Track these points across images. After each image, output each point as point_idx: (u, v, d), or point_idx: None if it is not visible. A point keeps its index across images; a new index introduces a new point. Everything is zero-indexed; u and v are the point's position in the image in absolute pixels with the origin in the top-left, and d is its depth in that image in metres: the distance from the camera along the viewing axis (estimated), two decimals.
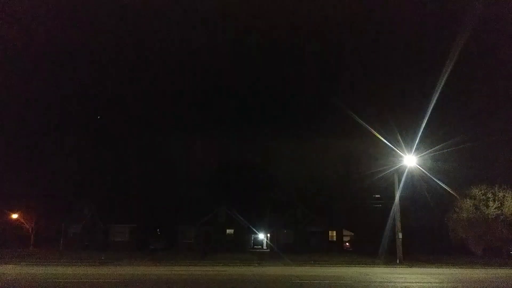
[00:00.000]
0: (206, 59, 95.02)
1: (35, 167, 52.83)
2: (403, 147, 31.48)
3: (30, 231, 45.12)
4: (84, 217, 49.70)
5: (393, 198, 33.04)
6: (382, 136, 32.15)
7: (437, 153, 33.31)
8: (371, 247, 39.35)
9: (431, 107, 30.81)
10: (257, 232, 58.42)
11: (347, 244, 54.45)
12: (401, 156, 31.71)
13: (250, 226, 52.33)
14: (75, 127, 73.10)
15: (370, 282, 18.70)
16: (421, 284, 17.79)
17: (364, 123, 33.66)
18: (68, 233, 48.89)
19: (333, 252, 43.81)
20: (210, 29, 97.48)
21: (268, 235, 58.99)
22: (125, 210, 50.33)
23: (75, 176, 53.55)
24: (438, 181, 33.86)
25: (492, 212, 35.75)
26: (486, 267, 28.95)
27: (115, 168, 59.31)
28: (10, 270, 23.77)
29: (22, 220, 44.65)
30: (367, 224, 46.21)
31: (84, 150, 63.01)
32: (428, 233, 42.21)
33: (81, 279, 19.29)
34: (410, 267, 28.20)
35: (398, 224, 31.87)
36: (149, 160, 67.07)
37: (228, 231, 50.65)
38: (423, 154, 32.10)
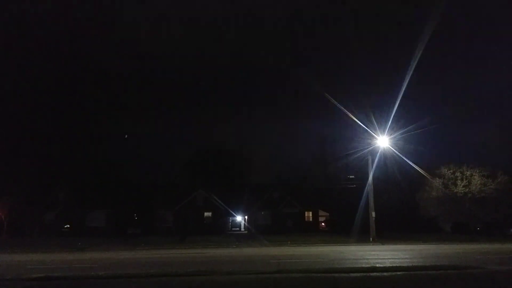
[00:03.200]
0: (185, 43, 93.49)
1: (8, 153, 51.31)
2: (377, 128, 32.25)
3: (2, 218, 44.15)
4: (59, 203, 48.89)
5: (366, 178, 33.95)
6: (356, 118, 32.82)
7: (408, 134, 34.24)
8: (346, 226, 40.43)
9: (403, 89, 31.51)
10: (235, 214, 58.91)
11: (323, 224, 55.69)
12: (374, 138, 32.48)
13: (228, 209, 52.71)
14: (50, 114, 71.33)
15: (344, 259, 19.37)
16: (393, 260, 18.55)
17: (338, 105, 34.20)
18: (44, 219, 48.07)
19: (310, 232, 44.81)
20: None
21: (246, 217, 59.62)
22: (101, 195, 49.77)
23: (50, 161, 52.34)
24: (409, 162, 34.92)
25: (460, 190, 37.19)
26: (454, 243, 30.30)
27: (91, 152, 58.36)
28: None
29: None
30: (342, 204, 47.31)
31: (59, 135, 61.64)
32: (399, 211, 43.66)
33: (59, 265, 19.21)
34: (383, 245, 29.22)
35: (371, 204, 32.85)
36: (126, 144, 66.30)
37: (206, 214, 50.93)
38: (395, 135, 32.96)
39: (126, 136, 64.77)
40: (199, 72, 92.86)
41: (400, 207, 43.22)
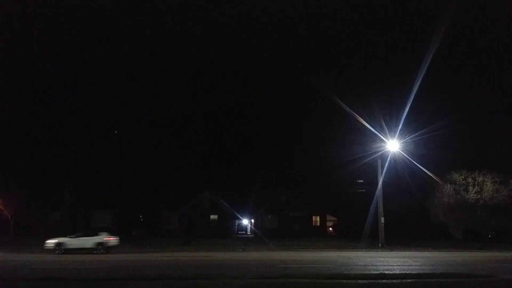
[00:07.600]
0: (196, 42, 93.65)
1: (15, 153, 51.57)
2: (387, 132, 31.69)
3: (9, 217, 44.23)
4: (65, 203, 48.93)
5: (376, 183, 33.38)
6: (365, 121, 32.30)
7: (419, 137, 33.58)
8: (354, 231, 39.82)
9: (414, 92, 30.99)
10: (241, 217, 58.59)
11: (331, 229, 55.10)
12: (384, 141, 31.92)
13: (234, 212, 52.34)
14: (57, 113, 71.73)
15: (353, 265, 18.92)
16: (402, 267, 18.07)
17: (348, 108, 33.71)
18: (49, 219, 48.14)
19: (317, 237, 44.23)
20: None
21: (252, 220, 59.28)
22: (107, 195, 49.70)
23: (56, 161, 52.47)
24: (420, 166, 34.25)
25: (472, 196, 36.40)
26: (465, 250, 29.63)
27: (97, 152, 58.45)
28: None
29: (1, 207, 43.70)
30: (351, 209, 46.72)
31: (64, 135, 61.93)
32: (409, 217, 42.97)
33: (63, 266, 19.03)
34: (392, 251, 28.66)
35: (381, 209, 32.28)
36: (132, 144, 66.38)
37: (212, 216, 50.59)
38: (405, 139, 32.35)
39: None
40: (206, 74, 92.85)
41: (410, 213, 42.52)
